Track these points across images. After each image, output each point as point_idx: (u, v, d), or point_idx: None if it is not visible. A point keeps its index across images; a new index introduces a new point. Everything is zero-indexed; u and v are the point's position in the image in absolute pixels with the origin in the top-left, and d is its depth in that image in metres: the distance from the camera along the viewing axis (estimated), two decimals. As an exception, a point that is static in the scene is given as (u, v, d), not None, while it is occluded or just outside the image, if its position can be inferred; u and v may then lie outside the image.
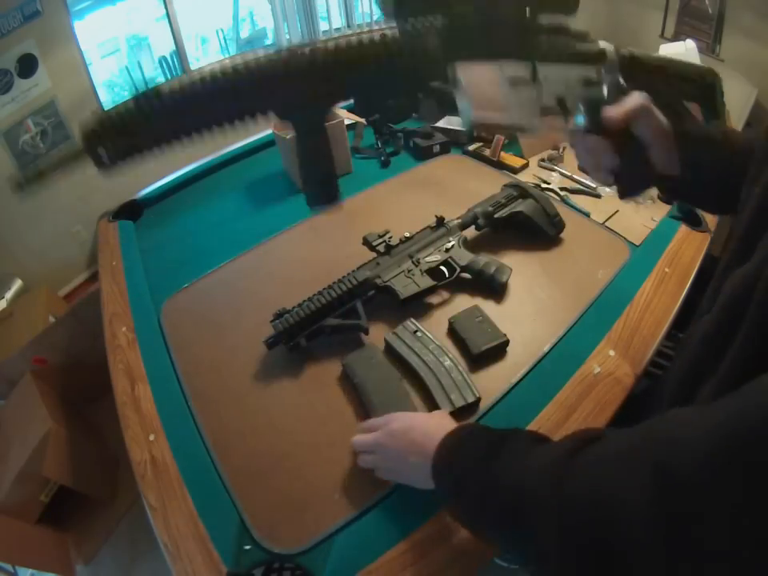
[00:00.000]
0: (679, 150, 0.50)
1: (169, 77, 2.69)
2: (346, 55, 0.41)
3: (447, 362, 0.70)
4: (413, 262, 0.85)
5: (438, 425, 0.52)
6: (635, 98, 0.48)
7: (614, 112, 0.48)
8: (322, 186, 0.47)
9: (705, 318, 0.48)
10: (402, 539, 0.53)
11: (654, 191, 1.14)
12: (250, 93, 0.40)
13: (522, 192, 0.98)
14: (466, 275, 0.86)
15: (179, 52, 2.65)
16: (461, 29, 0.43)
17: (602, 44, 0.48)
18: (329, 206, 0.48)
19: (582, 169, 0.55)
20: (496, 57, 0.43)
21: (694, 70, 0.60)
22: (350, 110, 1.61)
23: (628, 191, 0.55)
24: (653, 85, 0.52)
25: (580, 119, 0.49)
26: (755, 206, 0.42)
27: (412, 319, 0.78)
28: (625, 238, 0.97)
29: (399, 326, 0.77)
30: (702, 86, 0.58)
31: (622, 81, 0.49)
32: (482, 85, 0.43)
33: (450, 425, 0.52)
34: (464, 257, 0.86)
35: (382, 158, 1.35)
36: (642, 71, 0.53)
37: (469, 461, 0.44)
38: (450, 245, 0.88)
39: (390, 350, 0.75)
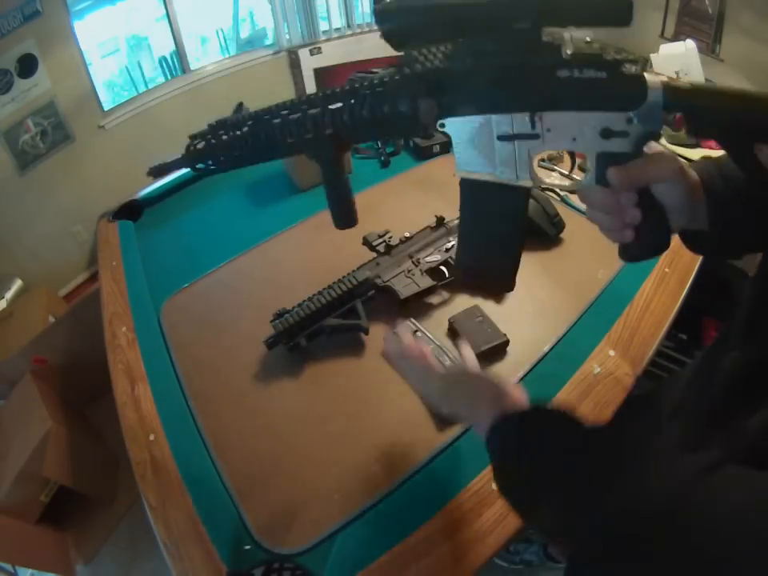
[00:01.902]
0: (710, 210, 0.39)
1: (169, 77, 2.70)
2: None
3: (447, 362, 0.70)
4: (413, 262, 0.85)
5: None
6: (659, 164, 0.36)
7: (625, 175, 0.36)
8: (342, 212, 0.51)
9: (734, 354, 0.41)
10: (402, 539, 0.53)
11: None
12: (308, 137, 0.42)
13: (521, 192, 0.98)
14: (466, 275, 0.86)
15: (179, 52, 2.65)
16: (468, 75, 0.35)
17: (648, 77, 0.33)
18: (348, 228, 0.52)
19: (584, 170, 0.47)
20: (497, 111, 0.36)
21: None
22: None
23: (636, 255, 0.43)
24: (718, 130, 0.36)
25: (585, 179, 0.39)
26: None
27: (412, 319, 0.78)
28: (625, 238, 0.97)
29: (399, 325, 0.77)
30: None
31: (667, 126, 0.39)
32: (471, 140, 0.37)
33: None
34: (464, 257, 0.86)
35: (382, 158, 1.35)
36: (705, 113, 0.35)
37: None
38: (449, 245, 0.88)
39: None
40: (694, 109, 0.35)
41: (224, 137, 0.42)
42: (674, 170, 0.37)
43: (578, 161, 0.44)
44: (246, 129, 0.42)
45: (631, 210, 0.37)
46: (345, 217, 0.47)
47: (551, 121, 0.35)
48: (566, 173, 1.22)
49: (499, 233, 0.41)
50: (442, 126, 0.38)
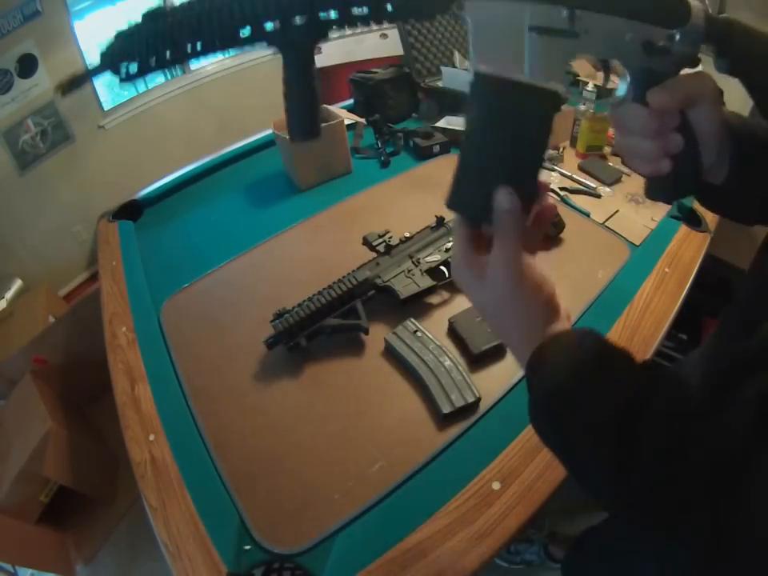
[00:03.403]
0: (732, 156, 0.38)
1: (169, 77, 2.70)
2: None
3: (447, 362, 0.70)
4: (413, 262, 0.85)
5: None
6: (701, 81, 0.35)
7: (667, 93, 0.34)
8: (302, 121, 0.40)
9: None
10: (402, 539, 0.53)
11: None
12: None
13: (522, 192, 0.98)
14: (466, 275, 0.86)
15: (179, 52, 2.65)
16: None
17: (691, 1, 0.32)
18: (308, 141, 0.40)
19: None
20: None
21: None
22: (350, 109, 1.61)
23: (664, 193, 0.40)
24: (755, 71, 0.36)
25: (622, 89, 0.35)
26: None
27: (412, 319, 0.78)
28: (625, 238, 0.97)
29: (399, 326, 0.77)
30: None
31: (708, 56, 0.35)
32: (496, 28, 0.31)
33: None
34: (464, 257, 0.86)
35: (382, 158, 1.35)
36: (743, 50, 0.35)
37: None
38: (450, 245, 0.88)
39: (389, 350, 0.75)
40: (728, 43, 0.35)
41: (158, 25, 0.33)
42: (715, 89, 0.36)
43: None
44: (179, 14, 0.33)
45: (674, 135, 0.35)
46: (308, 125, 0.38)
47: (592, 22, 0.32)
48: (567, 173, 1.22)
49: (514, 154, 0.34)
50: (460, 7, 0.31)
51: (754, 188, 0.39)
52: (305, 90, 0.35)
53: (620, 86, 0.36)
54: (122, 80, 0.34)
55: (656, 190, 0.40)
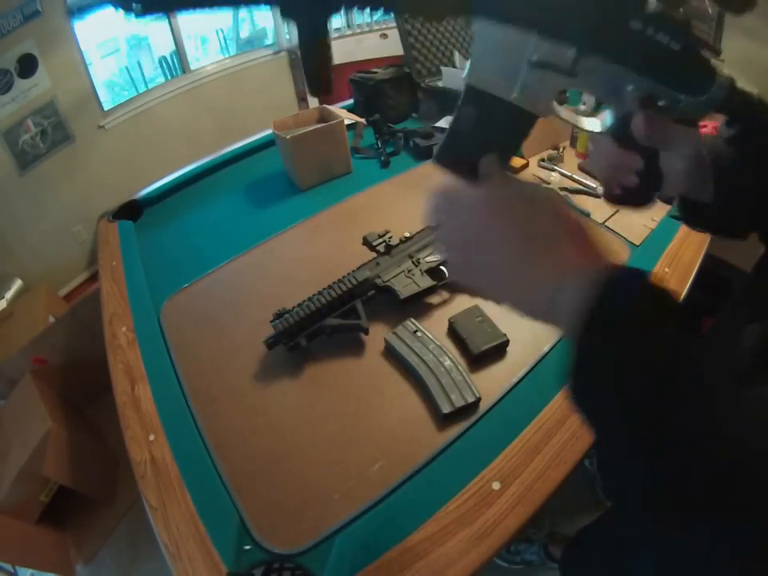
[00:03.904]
0: (716, 185, 0.37)
1: (169, 77, 2.70)
2: None
3: (447, 362, 0.70)
4: (413, 262, 0.85)
5: None
6: (690, 134, 0.34)
7: (646, 131, 0.32)
8: (313, 81, 0.42)
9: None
10: (402, 539, 0.53)
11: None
12: None
13: (522, 192, 0.98)
14: (466, 275, 0.86)
15: (179, 52, 2.65)
16: None
17: (719, 71, 0.29)
18: (319, 97, 0.43)
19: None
20: (543, 32, 0.29)
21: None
22: (350, 109, 1.61)
23: (618, 203, 0.43)
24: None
25: (607, 121, 0.35)
26: None
27: (412, 319, 0.78)
28: (625, 238, 0.97)
29: (399, 325, 0.77)
30: None
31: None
32: (496, 47, 0.31)
33: None
34: (464, 257, 0.86)
35: (382, 158, 1.35)
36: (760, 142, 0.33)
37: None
38: (450, 245, 0.88)
39: (389, 350, 0.75)
40: (752, 129, 0.32)
41: None
42: (697, 145, 0.36)
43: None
44: None
45: (631, 175, 0.37)
46: (317, 85, 0.39)
47: (596, 66, 0.30)
48: (566, 173, 1.22)
49: (499, 140, 0.35)
50: (469, 21, 0.33)
51: (739, 203, 0.39)
52: (313, 54, 0.35)
53: (606, 116, 0.35)
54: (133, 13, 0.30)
55: (608, 196, 0.44)
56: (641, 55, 0.29)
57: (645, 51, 0.29)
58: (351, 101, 1.70)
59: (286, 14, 0.32)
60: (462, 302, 0.84)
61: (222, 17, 2.91)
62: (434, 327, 0.78)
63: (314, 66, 0.35)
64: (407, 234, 0.89)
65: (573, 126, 0.36)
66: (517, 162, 1.26)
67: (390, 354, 0.75)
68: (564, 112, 0.35)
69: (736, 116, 0.32)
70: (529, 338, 0.76)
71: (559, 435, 0.61)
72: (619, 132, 0.34)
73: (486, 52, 0.32)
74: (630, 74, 0.30)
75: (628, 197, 0.40)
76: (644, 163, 0.36)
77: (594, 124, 0.36)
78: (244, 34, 3.08)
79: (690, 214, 0.43)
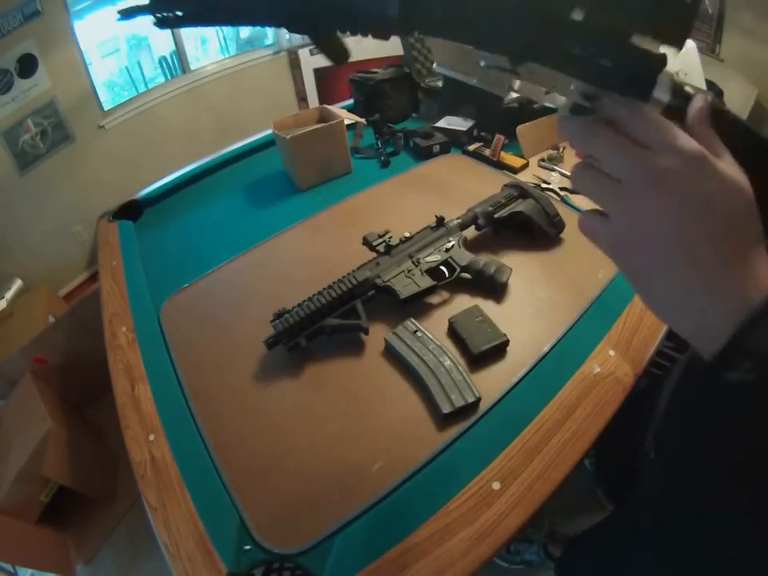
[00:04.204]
0: None
1: (169, 77, 2.70)
2: None
3: (447, 362, 0.70)
4: (413, 262, 0.85)
5: None
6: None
7: (569, 132, 0.30)
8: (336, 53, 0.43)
9: None
10: (402, 539, 0.53)
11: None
12: None
13: (521, 192, 0.98)
14: (466, 275, 0.86)
15: (179, 52, 2.65)
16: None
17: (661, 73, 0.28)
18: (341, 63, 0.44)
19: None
20: (476, 45, 0.31)
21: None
22: (350, 109, 1.62)
23: None
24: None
25: (562, 106, 0.34)
26: None
27: (412, 319, 0.78)
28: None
29: (399, 326, 0.77)
30: None
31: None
32: (449, 46, 0.35)
33: None
34: (464, 257, 0.86)
35: (382, 158, 1.35)
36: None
37: None
38: (449, 245, 0.88)
39: (389, 350, 0.75)
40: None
41: None
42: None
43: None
44: None
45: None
46: (338, 55, 0.40)
47: (537, 68, 0.30)
48: (566, 173, 1.22)
49: None
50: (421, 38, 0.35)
51: None
52: (329, 49, 0.37)
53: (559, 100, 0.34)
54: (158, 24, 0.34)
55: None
56: (573, 65, 0.29)
57: (575, 62, 0.28)
58: (351, 101, 1.70)
59: (295, 32, 0.34)
60: (462, 302, 0.84)
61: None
62: (434, 327, 0.78)
63: (331, 53, 0.37)
64: (407, 234, 0.89)
65: (533, 99, 0.37)
66: (517, 161, 1.26)
67: (390, 353, 0.75)
68: (521, 88, 0.35)
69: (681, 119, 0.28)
70: (529, 338, 0.76)
71: (559, 435, 0.61)
72: (576, 110, 0.32)
73: (446, 53, 0.36)
74: (570, 79, 0.30)
75: None
76: None
77: (554, 98, 0.35)
78: (244, 33, 3.08)
79: None
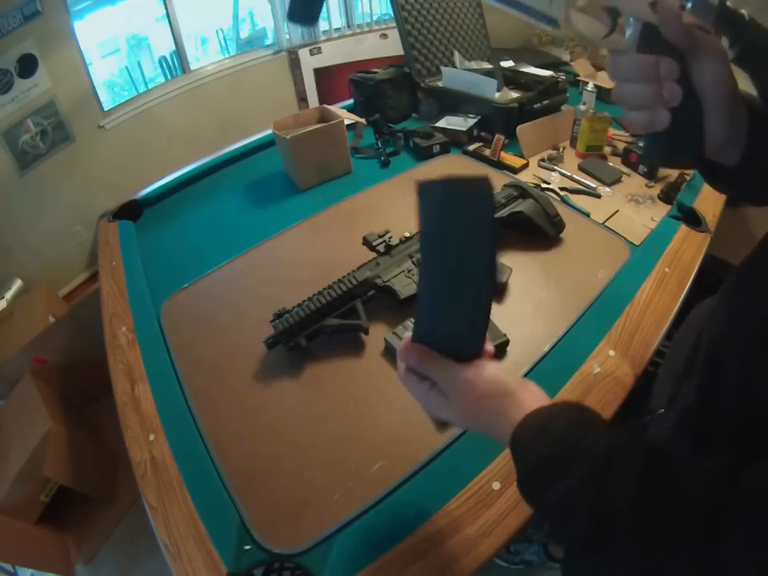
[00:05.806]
0: (751, 128, 0.36)
1: (169, 77, 2.70)
2: None
3: (447, 362, 0.70)
4: (413, 262, 0.85)
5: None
6: (709, 36, 0.34)
7: (677, 24, 0.33)
8: (304, 4, 0.40)
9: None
10: (402, 539, 0.53)
11: (654, 191, 1.14)
12: None
13: (521, 192, 0.98)
14: (466, 275, 0.86)
15: (179, 52, 2.65)
16: None
17: None
18: (304, 25, 0.43)
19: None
20: None
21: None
22: (350, 109, 1.62)
23: (659, 154, 0.38)
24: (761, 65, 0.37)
25: (629, 37, 0.35)
26: None
27: (412, 319, 0.77)
28: (625, 238, 0.97)
29: (399, 326, 0.77)
30: None
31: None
32: None
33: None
34: (464, 257, 0.86)
35: (382, 158, 1.35)
36: (752, 42, 0.36)
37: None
38: (449, 245, 0.88)
39: (389, 350, 0.75)
40: (738, 31, 0.36)
41: None
42: (723, 50, 0.34)
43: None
44: None
45: (672, 84, 0.34)
46: (309, 9, 0.39)
47: None
48: (567, 173, 1.22)
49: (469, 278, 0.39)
50: None
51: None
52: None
53: (627, 33, 0.35)
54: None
55: (652, 149, 0.38)
56: None
57: None
58: (351, 101, 1.70)
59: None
60: (462, 302, 0.84)
61: (222, 16, 2.91)
62: (434, 327, 0.78)
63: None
64: (407, 234, 0.89)
65: (592, 41, 0.36)
66: (517, 161, 1.26)
67: (390, 353, 0.75)
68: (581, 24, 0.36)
69: (732, 25, 0.35)
70: (529, 338, 0.76)
71: (559, 435, 0.61)
72: (646, 45, 0.34)
73: None
74: None
75: (675, 129, 0.35)
76: (679, 67, 0.34)
77: (617, 41, 0.36)
78: (244, 33, 3.08)
79: (719, 174, 0.40)
